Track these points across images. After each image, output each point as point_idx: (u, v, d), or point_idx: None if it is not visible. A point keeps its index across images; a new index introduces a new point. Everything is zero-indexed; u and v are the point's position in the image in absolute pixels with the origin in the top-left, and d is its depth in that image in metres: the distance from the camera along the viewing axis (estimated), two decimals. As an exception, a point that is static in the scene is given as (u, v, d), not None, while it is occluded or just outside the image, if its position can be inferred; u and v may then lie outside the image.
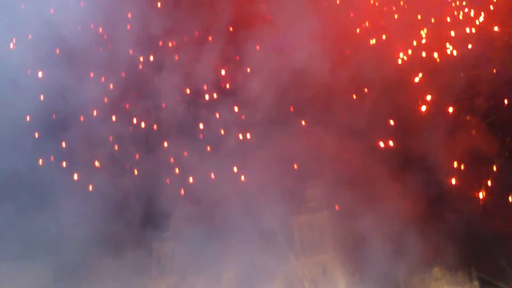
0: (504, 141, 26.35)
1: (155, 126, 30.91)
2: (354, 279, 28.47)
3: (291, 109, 30.36)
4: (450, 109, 27.03)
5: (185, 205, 33.04)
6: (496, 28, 27.30)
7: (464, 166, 26.60)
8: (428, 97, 27.72)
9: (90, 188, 31.14)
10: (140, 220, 33.08)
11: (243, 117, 30.34)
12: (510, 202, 25.41)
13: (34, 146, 29.81)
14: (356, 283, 28.06)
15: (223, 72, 29.91)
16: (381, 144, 27.01)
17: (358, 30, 28.97)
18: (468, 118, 27.46)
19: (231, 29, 29.02)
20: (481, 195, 26.13)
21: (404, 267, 27.11)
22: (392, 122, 27.57)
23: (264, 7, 28.93)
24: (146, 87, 30.13)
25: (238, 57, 29.44)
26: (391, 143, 27.00)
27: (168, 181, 31.34)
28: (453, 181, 26.76)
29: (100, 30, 29.01)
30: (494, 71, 27.18)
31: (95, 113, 30.04)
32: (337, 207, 30.22)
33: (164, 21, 29.00)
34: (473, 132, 26.93)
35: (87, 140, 30.56)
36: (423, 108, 27.30)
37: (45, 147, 29.96)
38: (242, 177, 30.54)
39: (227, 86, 30.47)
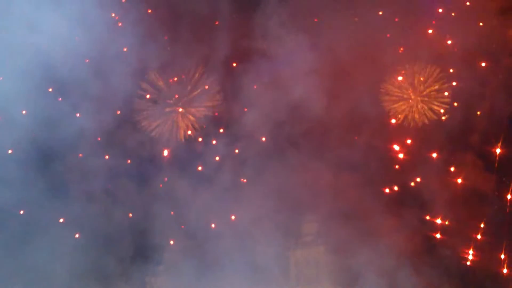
0: (501, 180, 26.80)
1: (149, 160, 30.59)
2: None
3: (287, 143, 30.40)
4: (445, 147, 27.56)
5: (179, 239, 32.74)
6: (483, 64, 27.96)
7: (460, 203, 27.02)
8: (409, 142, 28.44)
9: (82, 219, 30.79)
10: (132, 253, 32.63)
11: (239, 151, 30.32)
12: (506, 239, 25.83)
13: (22, 178, 29.35)
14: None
15: (219, 106, 29.93)
16: (386, 189, 27.48)
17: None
18: (463, 156, 27.90)
19: (234, 64, 29.13)
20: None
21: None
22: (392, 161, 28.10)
23: (262, 42, 29.02)
24: (141, 120, 29.88)
25: (234, 92, 29.50)
26: (395, 188, 27.38)
27: (162, 214, 31.07)
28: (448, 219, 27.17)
29: (95, 63, 28.65)
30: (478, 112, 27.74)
31: (87, 146, 29.66)
32: None
33: (161, 55, 29.00)
34: (469, 170, 27.36)
35: (79, 173, 30.15)
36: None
37: (34, 179, 29.51)
38: (237, 212, 30.49)
39: (222, 120, 30.46)
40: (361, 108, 28.70)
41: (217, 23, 29.45)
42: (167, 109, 29.17)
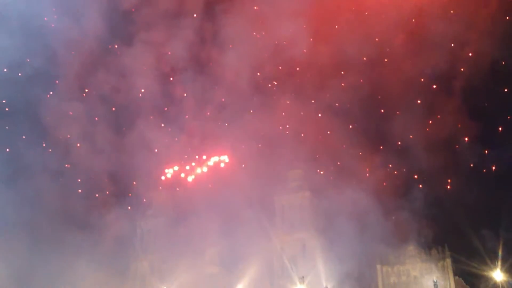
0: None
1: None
2: (332, 256, 28.68)
3: (271, 86, 29.75)
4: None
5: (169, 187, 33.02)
6: None
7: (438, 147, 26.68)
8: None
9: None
10: (124, 197, 33.09)
11: (219, 94, 29.77)
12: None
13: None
14: (334, 260, 28.27)
15: (200, 48, 29.07)
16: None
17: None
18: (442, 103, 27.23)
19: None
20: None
21: (380, 245, 27.50)
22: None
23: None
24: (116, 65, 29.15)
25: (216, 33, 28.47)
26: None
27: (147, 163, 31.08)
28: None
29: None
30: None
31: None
32: None
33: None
34: (448, 117, 26.78)
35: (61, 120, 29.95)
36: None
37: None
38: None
39: (204, 63, 29.70)
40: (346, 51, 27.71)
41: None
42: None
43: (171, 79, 30.04)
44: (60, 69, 27.44)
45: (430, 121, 26.33)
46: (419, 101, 26.91)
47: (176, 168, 30.34)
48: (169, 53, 28.03)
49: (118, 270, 32.92)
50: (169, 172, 30.50)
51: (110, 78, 27.86)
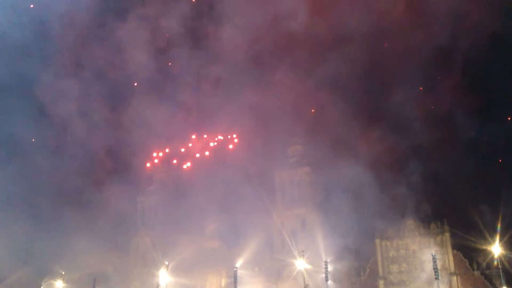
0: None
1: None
2: (331, 230, 28.88)
3: (270, 60, 29.31)
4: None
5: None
6: None
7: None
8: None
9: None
10: (125, 173, 33.08)
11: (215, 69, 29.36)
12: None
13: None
14: (333, 234, 28.49)
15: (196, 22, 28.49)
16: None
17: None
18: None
19: None
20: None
21: (379, 219, 27.66)
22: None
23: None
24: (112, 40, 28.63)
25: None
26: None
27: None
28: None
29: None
30: None
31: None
32: None
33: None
34: (446, 90, 26.50)
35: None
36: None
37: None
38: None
39: (200, 37, 29.17)
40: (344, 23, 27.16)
41: None
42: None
43: (167, 54, 29.53)
44: (53, 44, 27.02)
45: (428, 95, 26.03)
46: (417, 74, 26.56)
47: (167, 150, 30.21)
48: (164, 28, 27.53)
49: (120, 245, 33.29)
50: (157, 158, 30.37)
51: (103, 53, 27.50)
